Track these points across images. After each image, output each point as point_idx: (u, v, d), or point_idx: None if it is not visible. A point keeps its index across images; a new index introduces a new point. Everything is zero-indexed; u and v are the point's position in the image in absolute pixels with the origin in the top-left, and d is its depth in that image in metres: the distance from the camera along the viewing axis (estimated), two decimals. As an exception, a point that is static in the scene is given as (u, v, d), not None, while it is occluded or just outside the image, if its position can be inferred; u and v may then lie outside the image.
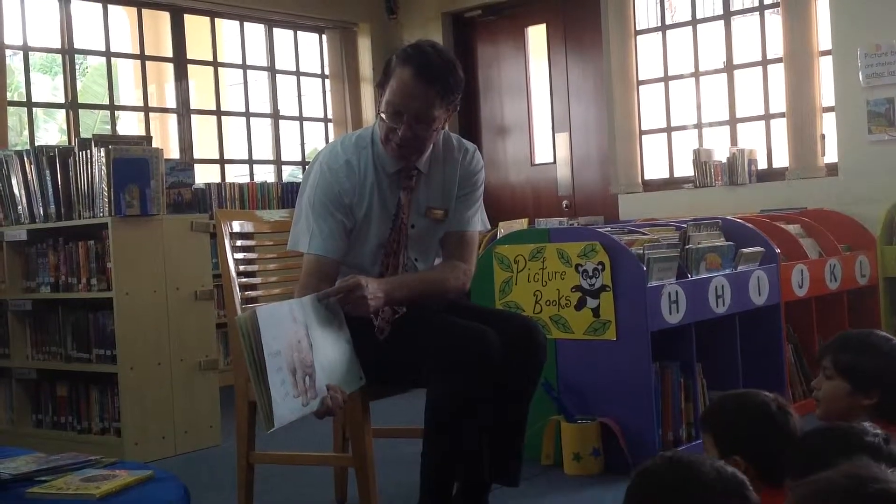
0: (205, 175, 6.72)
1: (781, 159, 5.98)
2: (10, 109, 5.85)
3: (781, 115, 5.91)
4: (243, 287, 2.94)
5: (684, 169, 6.34)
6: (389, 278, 2.62)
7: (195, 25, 6.76)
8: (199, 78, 7.14)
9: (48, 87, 11.88)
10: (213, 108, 6.86)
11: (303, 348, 2.30)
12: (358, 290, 2.44)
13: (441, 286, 2.69)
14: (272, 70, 7.19)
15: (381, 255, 2.70)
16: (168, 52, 6.64)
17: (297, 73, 7.39)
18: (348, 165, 2.66)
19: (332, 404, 2.31)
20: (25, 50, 5.92)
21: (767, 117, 6.08)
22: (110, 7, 6.24)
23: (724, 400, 2.09)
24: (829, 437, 1.76)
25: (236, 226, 3.00)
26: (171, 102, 6.75)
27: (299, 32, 7.37)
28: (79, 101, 6.39)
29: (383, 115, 2.59)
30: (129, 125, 8.85)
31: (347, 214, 2.65)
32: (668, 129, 6.49)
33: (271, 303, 2.53)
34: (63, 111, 6.36)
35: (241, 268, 2.98)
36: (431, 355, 2.49)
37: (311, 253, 2.62)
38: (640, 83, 6.53)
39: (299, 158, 7.54)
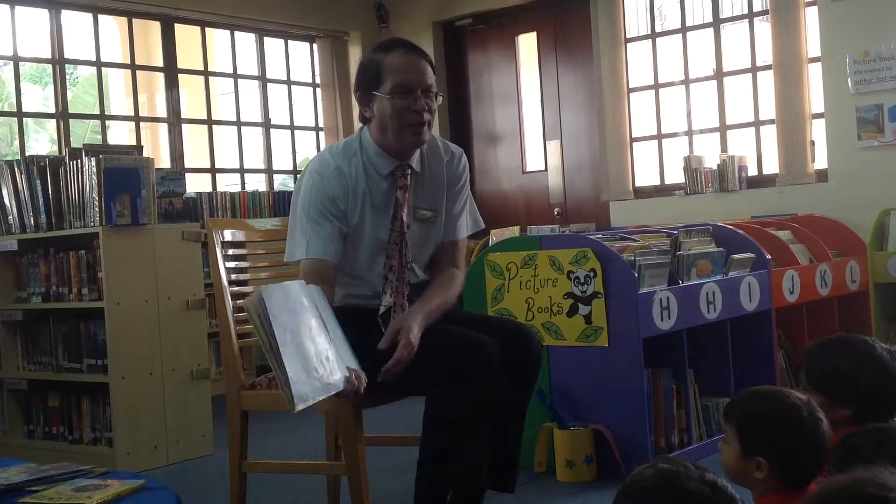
0: (196, 184, 6.71)
1: (771, 166, 6.00)
2: (1, 119, 5.84)
3: (771, 121, 5.93)
4: (235, 296, 2.93)
5: (675, 176, 6.36)
6: (418, 314, 2.60)
7: (186, 35, 6.76)
8: (189, 87, 7.14)
9: (39, 97, 11.86)
10: (204, 117, 6.85)
11: (318, 329, 2.31)
12: (409, 349, 2.48)
13: (452, 302, 2.77)
14: (263, 79, 7.19)
15: (381, 259, 2.71)
16: (159, 61, 6.64)
17: (288, 82, 7.39)
18: (339, 171, 2.68)
19: (357, 383, 2.34)
20: (16, 60, 5.92)
21: (757, 124, 6.11)
22: (101, 17, 6.24)
23: (753, 397, 2.00)
24: (870, 438, 1.74)
25: (228, 235, 2.99)
26: (162, 112, 6.75)
27: (290, 41, 7.38)
28: (69, 111, 6.38)
29: (395, 98, 2.62)
30: (120, 135, 8.83)
31: (342, 219, 2.66)
32: (659, 137, 6.51)
33: (278, 283, 2.53)
34: (54, 121, 6.35)
35: (233, 277, 2.97)
36: (431, 364, 2.49)
37: (310, 257, 2.62)
38: (630, 91, 6.55)
39: (290, 167, 7.54)
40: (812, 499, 1.30)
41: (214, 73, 7.15)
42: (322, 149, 7.62)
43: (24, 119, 6.31)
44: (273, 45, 7.31)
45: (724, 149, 6.19)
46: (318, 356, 2.27)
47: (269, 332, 2.16)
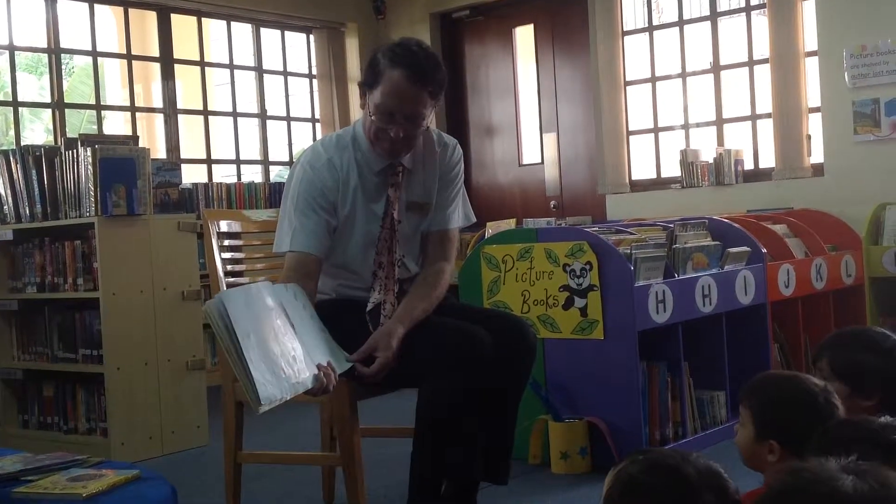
0: (192, 175, 6.71)
1: (768, 160, 6.01)
2: (-4, 109, 5.81)
3: (768, 115, 5.93)
4: (231, 287, 2.93)
5: (671, 169, 6.36)
6: (400, 320, 2.56)
7: (182, 25, 6.74)
8: (185, 78, 7.12)
9: (34, 87, 11.82)
10: (200, 107, 6.84)
11: (283, 329, 2.30)
12: (387, 363, 2.45)
13: (437, 300, 2.71)
14: (259, 70, 7.17)
15: (371, 255, 2.70)
16: (155, 51, 6.62)
17: (285, 73, 7.38)
18: (330, 164, 2.66)
19: (326, 381, 2.31)
20: (11, 49, 5.90)
21: (754, 118, 6.11)
22: (97, 6, 6.21)
23: (770, 381, 2.01)
24: (850, 430, 1.75)
25: (223, 225, 2.99)
26: (158, 102, 6.73)
27: (287, 32, 7.36)
28: (65, 101, 6.36)
29: (374, 117, 2.59)
30: (116, 125, 8.82)
31: (331, 212, 2.65)
32: (656, 130, 6.51)
33: (237, 286, 2.52)
34: (49, 111, 6.33)
35: (229, 267, 2.97)
36: (424, 355, 2.49)
37: (294, 250, 2.62)
38: (627, 84, 6.55)
39: (286, 158, 7.53)
40: (767, 492, 1.30)
41: (210, 64, 7.13)
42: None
43: (20, 109, 6.28)
44: (269, 35, 7.29)
45: (720, 142, 6.19)
46: (285, 357, 2.25)
47: (232, 336, 2.14)
